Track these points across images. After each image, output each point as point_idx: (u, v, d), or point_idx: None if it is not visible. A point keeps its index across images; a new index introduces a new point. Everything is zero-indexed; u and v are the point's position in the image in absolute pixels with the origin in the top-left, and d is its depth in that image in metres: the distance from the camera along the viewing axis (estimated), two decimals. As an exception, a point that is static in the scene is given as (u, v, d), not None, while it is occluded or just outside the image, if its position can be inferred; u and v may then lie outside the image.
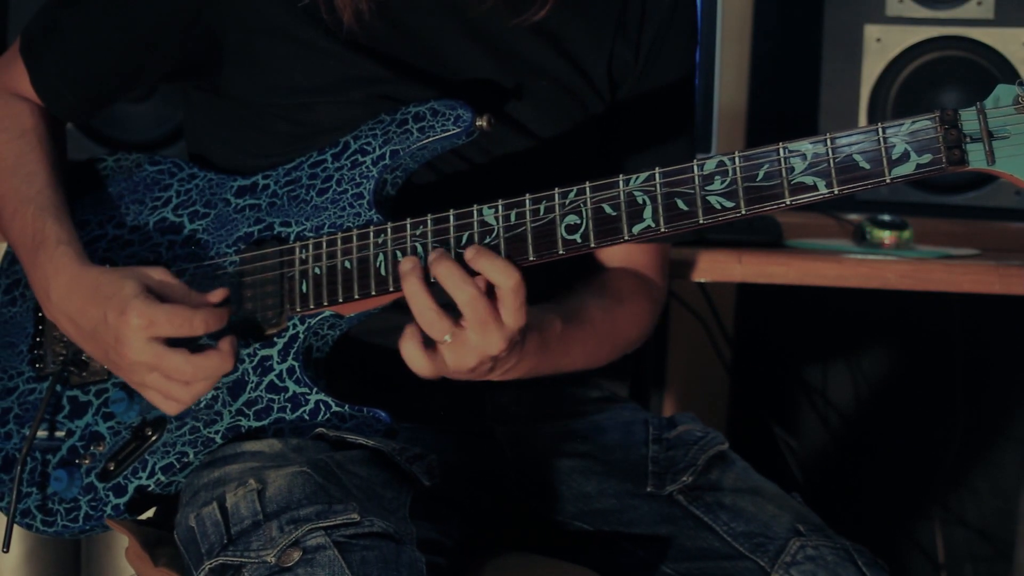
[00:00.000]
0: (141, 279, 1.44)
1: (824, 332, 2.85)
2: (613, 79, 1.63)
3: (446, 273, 1.36)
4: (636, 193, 1.35)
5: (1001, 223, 2.44)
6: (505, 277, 1.35)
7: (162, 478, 1.51)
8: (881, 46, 2.49)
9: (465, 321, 1.36)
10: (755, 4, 2.81)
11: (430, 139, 1.48)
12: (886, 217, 2.27)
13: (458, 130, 1.47)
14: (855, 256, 2.11)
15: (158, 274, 1.46)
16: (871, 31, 2.50)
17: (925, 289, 2.05)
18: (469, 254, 1.37)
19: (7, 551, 1.56)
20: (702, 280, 2.07)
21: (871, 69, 2.50)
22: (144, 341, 1.42)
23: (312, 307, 1.48)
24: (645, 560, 1.53)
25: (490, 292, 1.36)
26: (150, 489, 1.51)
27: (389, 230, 1.44)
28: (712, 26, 2.48)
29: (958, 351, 2.72)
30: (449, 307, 1.36)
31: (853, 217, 2.39)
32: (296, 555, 1.29)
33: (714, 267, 2.04)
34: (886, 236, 2.24)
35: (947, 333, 2.73)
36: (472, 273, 1.36)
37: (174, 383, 1.44)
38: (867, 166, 1.29)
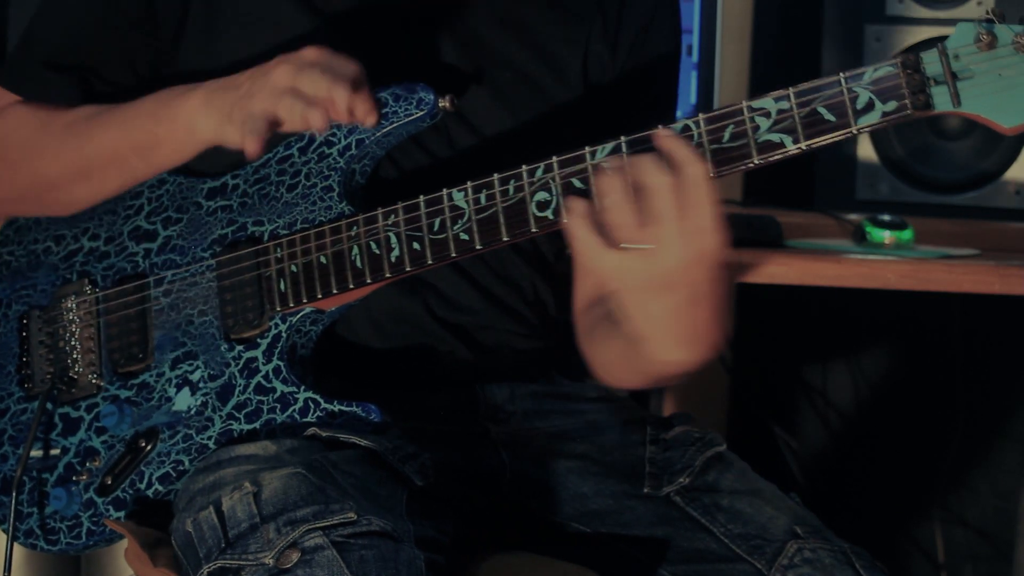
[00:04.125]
0: None
1: (824, 332, 2.85)
2: (588, 75, 1.63)
3: (646, 158, 1.28)
4: (604, 165, 1.33)
5: (1001, 223, 2.44)
6: (694, 162, 1.27)
7: (160, 488, 1.51)
8: (881, 46, 2.49)
9: (661, 218, 1.26)
10: (755, 4, 2.81)
11: (395, 124, 1.47)
12: (886, 217, 2.27)
13: (422, 113, 1.46)
14: (855, 256, 2.11)
15: None
16: (871, 31, 2.50)
17: (925, 289, 2.05)
18: (663, 131, 1.30)
19: (9, 573, 1.57)
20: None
21: (871, 69, 2.50)
22: (287, 66, 1.41)
23: (292, 305, 1.48)
24: (642, 561, 1.52)
25: None
26: (149, 500, 1.51)
27: (361, 221, 1.44)
28: (712, 26, 2.48)
29: (958, 351, 2.72)
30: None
31: (853, 217, 2.39)
32: (295, 556, 1.28)
33: (714, 267, 2.04)
34: (886, 236, 2.24)
35: (947, 333, 2.73)
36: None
37: (303, 101, 1.40)
38: (832, 118, 1.27)
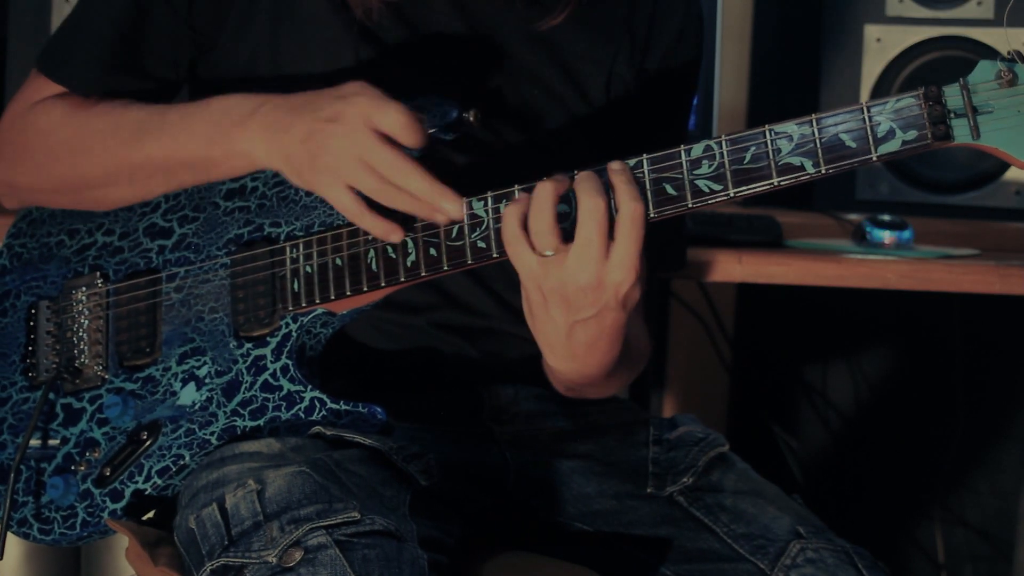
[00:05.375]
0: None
1: (824, 332, 2.85)
2: (610, 93, 1.64)
3: (586, 179, 1.33)
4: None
5: (1001, 223, 2.44)
6: (630, 199, 1.32)
7: (159, 481, 1.51)
8: (881, 46, 2.50)
9: (576, 236, 1.32)
10: (755, 4, 2.81)
11: None
12: (886, 217, 2.27)
13: (445, 125, 1.47)
14: (855, 256, 2.11)
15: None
16: (871, 31, 2.50)
17: (925, 289, 2.06)
18: (615, 165, 1.34)
19: (1, 558, 1.56)
20: (702, 280, 2.07)
21: (871, 69, 2.50)
22: (363, 126, 1.37)
23: (304, 305, 1.48)
24: (645, 561, 1.52)
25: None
26: (147, 493, 1.51)
27: None
28: (712, 26, 2.48)
29: (958, 351, 2.73)
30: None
31: (853, 217, 2.39)
32: (298, 555, 1.28)
33: (714, 267, 2.04)
34: (886, 236, 2.24)
35: (947, 333, 2.73)
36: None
37: (376, 179, 1.37)
38: (853, 145, 1.30)
